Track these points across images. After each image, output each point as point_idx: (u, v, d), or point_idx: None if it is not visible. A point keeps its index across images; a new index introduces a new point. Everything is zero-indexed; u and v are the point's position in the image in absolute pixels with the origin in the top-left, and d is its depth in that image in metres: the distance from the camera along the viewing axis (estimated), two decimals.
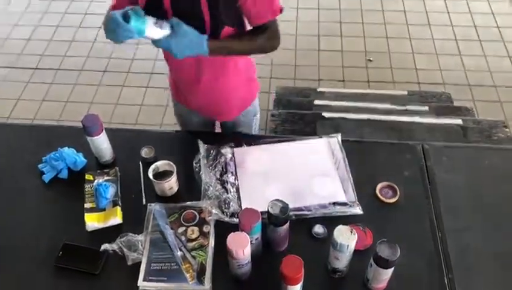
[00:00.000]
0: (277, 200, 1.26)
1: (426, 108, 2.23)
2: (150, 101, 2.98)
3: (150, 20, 1.25)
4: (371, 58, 3.18)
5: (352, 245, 1.20)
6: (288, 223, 1.29)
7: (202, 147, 1.59)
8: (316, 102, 2.25)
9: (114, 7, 1.40)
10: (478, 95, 2.94)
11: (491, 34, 3.38)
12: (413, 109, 2.23)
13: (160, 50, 1.42)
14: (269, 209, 1.25)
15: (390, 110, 2.15)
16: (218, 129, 1.94)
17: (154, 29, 1.25)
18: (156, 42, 1.29)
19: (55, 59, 3.26)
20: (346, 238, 1.18)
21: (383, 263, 1.17)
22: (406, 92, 2.59)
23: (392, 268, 1.19)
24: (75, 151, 1.58)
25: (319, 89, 2.60)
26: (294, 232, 1.34)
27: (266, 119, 2.42)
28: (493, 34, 3.38)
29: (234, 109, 1.73)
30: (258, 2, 1.37)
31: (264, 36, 1.42)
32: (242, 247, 1.18)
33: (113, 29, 1.23)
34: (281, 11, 1.41)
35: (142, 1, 1.37)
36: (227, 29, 1.40)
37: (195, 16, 1.34)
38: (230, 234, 1.21)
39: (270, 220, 1.27)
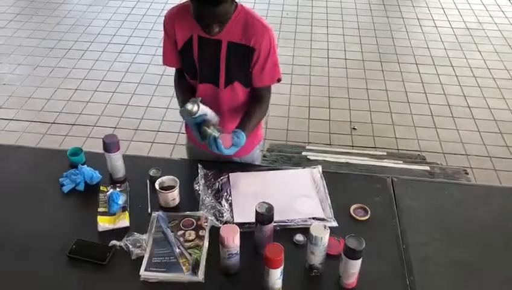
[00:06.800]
0: (263, 202, 1.50)
1: (401, 162, 2.53)
2: (156, 155, 3.27)
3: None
4: (355, 127, 3.54)
5: (325, 239, 1.42)
6: (272, 224, 1.52)
7: (201, 170, 1.85)
8: (304, 153, 2.54)
9: (168, 60, 1.82)
10: (451, 162, 3.25)
11: (463, 113, 3.78)
12: (389, 164, 2.52)
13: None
14: (257, 209, 1.48)
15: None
16: None
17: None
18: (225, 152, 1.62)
19: (72, 116, 3.62)
20: (320, 232, 1.41)
21: (351, 254, 1.39)
22: (385, 153, 2.91)
23: (360, 260, 1.40)
24: (92, 169, 1.84)
25: (308, 147, 2.92)
26: (279, 240, 1.55)
27: None
28: (465, 113, 3.78)
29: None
30: (266, 70, 1.74)
31: (266, 105, 1.82)
32: (233, 234, 1.40)
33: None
34: (278, 80, 1.78)
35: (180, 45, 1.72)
36: (237, 85, 1.76)
37: (215, 70, 1.71)
38: (223, 225, 1.43)
39: (257, 219, 1.50)
